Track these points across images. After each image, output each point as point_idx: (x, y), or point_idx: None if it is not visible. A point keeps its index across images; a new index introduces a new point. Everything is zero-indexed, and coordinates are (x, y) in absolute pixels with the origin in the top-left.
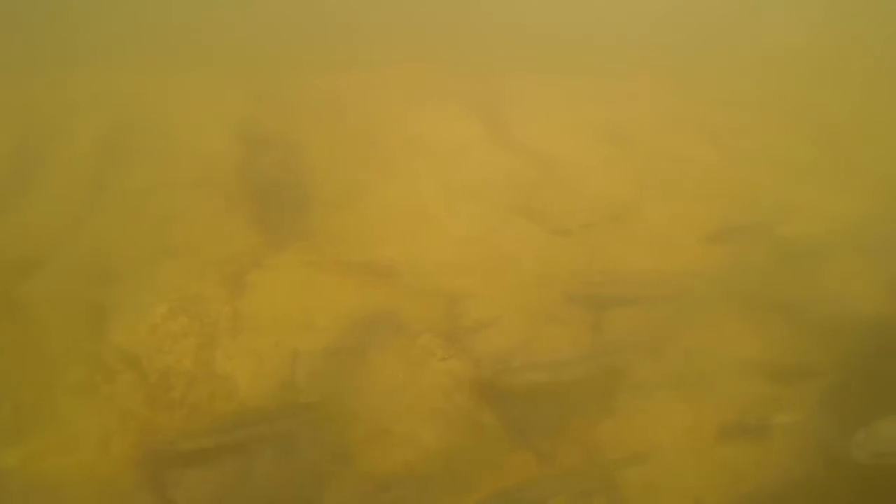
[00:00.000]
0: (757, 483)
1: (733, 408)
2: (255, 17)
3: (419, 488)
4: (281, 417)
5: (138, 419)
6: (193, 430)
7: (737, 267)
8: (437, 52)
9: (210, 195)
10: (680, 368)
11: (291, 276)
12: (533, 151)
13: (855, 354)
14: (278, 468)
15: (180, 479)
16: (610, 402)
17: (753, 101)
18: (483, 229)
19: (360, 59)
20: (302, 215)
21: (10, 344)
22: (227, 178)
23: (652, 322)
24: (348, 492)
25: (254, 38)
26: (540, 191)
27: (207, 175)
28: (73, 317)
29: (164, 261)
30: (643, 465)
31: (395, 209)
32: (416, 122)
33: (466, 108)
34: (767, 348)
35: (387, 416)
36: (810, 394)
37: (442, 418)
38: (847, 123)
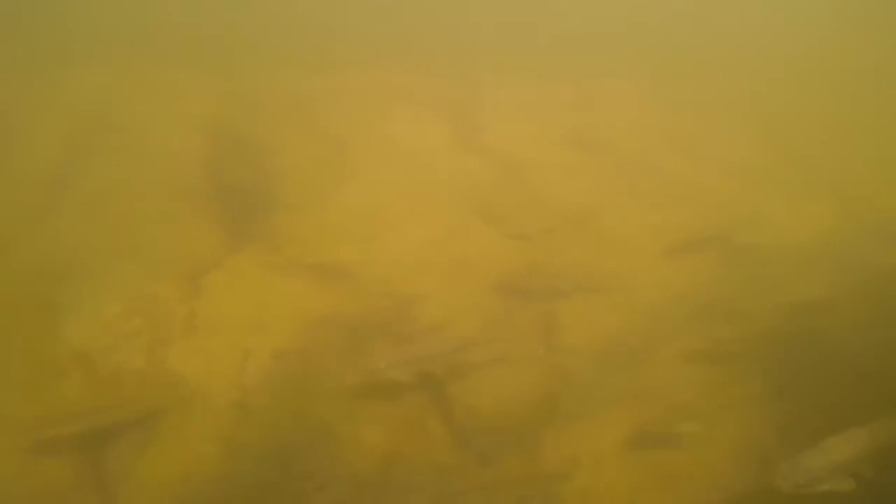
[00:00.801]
0: (691, 489)
1: (673, 414)
2: (230, 16)
3: (359, 489)
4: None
5: (86, 417)
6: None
7: (691, 273)
8: (412, 55)
9: (174, 195)
10: (625, 373)
11: (249, 277)
12: (500, 156)
13: (798, 364)
14: None
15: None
16: (554, 406)
17: (721, 111)
18: (442, 233)
19: (334, 61)
20: (265, 216)
21: None
22: (192, 177)
23: (602, 326)
24: (288, 493)
25: (228, 37)
26: (503, 195)
27: (173, 174)
28: (25, 315)
29: (122, 260)
30: (581, 470)
31: (357, 212)
32: (387, 126)
33: (437, 112)
34: (713, 355)
35: (333, 418)
36: (750, 402)
37: (387, 421)
38: (813, 137)
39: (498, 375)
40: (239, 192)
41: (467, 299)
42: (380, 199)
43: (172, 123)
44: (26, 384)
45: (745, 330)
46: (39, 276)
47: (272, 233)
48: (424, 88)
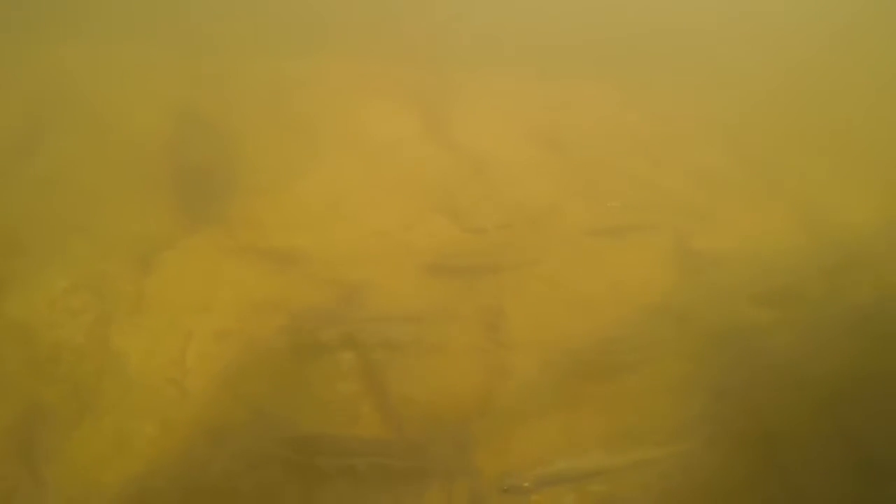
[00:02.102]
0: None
1: (612, 416)
2: None
3: (288, 469)
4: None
5: (20, 392)
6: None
7: (643, 275)
8: (389, 46)
9: (133, 173)
10: (564, 371)
11: (201, 259)
12: (467, 150)
13: (737, 369)
14: None
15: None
16: (491, 401)
17: (692, 119)
18: (397, 224)
19: (310, 48)
20: (223, 200)
21: None
22: (153, 156)
23: (548, 325)
24: (218, 469)
25: (199, 15)
26: (465, 190)
27: (134, 153)
28: None
29: (74, 236)
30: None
31: (316, 199)
32: (356, 115)
33: (407, 103)
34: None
35: (268, 400)
36: (692, 407)
37: (322, 406)
38: (780, 150)
39: (437, 366)
40: (200, 175)
41: (413, 290)
42: (341, 187)
43: (140, 102)
44: None
45: (690, 333)
46: None
47: (229, 216)
48: (398, 80)
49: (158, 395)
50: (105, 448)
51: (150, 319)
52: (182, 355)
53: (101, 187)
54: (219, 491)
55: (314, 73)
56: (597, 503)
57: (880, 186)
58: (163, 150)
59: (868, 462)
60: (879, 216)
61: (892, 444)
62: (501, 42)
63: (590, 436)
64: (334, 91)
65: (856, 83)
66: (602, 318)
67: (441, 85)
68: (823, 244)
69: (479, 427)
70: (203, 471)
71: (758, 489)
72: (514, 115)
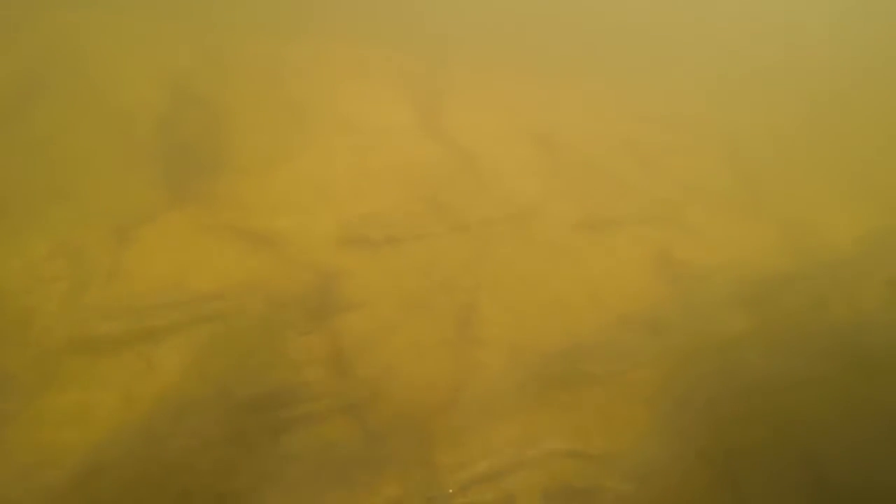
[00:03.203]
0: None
1: (573, 421)
2: None
3: (243, 450)
4: None
5: None
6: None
7: (621, 282)
8: (388, 34)
9: (120, 145)
10: (532, 373)
11: (180, 235)
12: (457, 145)
13: (706, 383)
14: None
15: None
16: (457, 398)
17: (687, 127)
18: (380, 213)
19: (309, 30)
20: (209, 178)
21: None
22: (143, 129)
23: (521, 326)
24: (177, 445)
25: None
26: (452, 184)
27: (123, 124)
28: None
29: (56, 203)
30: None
31: (301, 182)
32: (349, 101)
33: (402, 93)
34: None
35: (234, 380)
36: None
37: (287, 389)
38: (771, 163)
39: (406, 360)
40: (188, 151)
41: (390, 281)
42: (328, 172)
43: (137, 73)
44: None
45: (664, 345)
46: None
47: (213, 195)
48: (394, 69)
49: (125, 368)
50: (65, 415)
51: (123, 291)
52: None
53: (87, 155)
54: (176, 466)
55: (312, 56)
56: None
57: (873, 209)
58: (154, 122)
59: (824, 486)
60: (868, 240)
61: (853, 471)
62: (500, 37)
63: (548, 438)
64: (330, 76)
65: (859, 106)
66: (576, 323)
67: (437, 77)
68: (808, 265)
69: (442, 422)
70: (161, 445)
71: None
72: (508, 112)
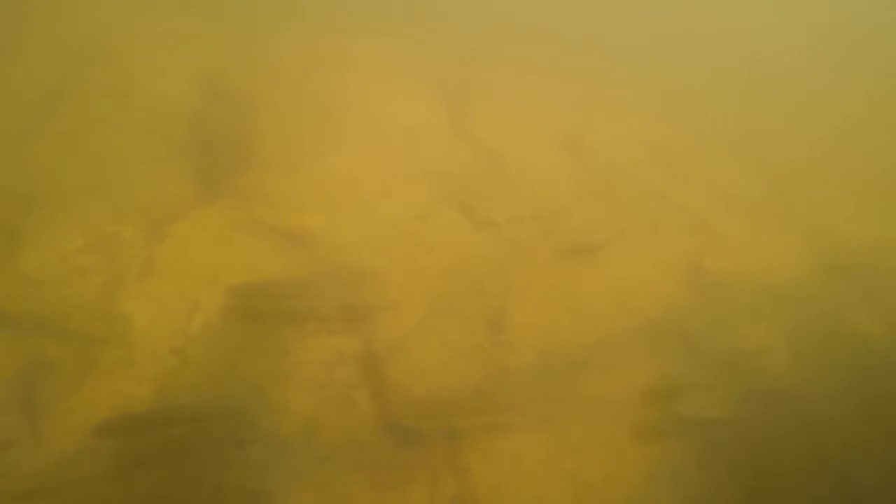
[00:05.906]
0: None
1: (595, 436)
2: None
3: (276, 451)
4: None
5: (26, 345)
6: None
7: (651, 290)
8: (418, 34)
9: (154, 139)
10: (563, 383)
11: (212, 231)
12: (486, 146)
13: (734, 392)
14: None
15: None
16: (487, 402)
17: (714, 134)
18: (410, 214)
19: (338, 27)
20: (240, 173)
21: None
22: (176, 124)
23: (550, 331)
24: (208, 446)
25: None
26: (480, 185)
27: (157, 119)
28: None
29: (91, 196)
30: (499, 469)
31: (331, 181)
32: (379, 100)
33: (432, 93)
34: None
35: (266, 379)
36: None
37: (318, 389)
38: (799, 173)
39: (436, 362)
40: (219, 146)
41: (420, 283)
42: (357, 171)
43: (170, 69)
44: None
45: (692, 352)
46: (4, 198)
47: (244, 191)
48: (424, 68)
49: (160, 361)
50: (102, 406)
51: (158, 286)
52: (187, 325)
53: (121, 150)
54: (209, 463)
55: (343, 53)
56: None
57: None
58: (186, 118)
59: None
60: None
61: (882, 491)
62: (529, 40)
63: (579, 442)
64: (359, 73)
65: (891, 114)
66: (605, 329)
67: (466, 77)
68: (837, 279)
69: (473, 425)
70: (194, 441)
71: None
72: (537, 114)
